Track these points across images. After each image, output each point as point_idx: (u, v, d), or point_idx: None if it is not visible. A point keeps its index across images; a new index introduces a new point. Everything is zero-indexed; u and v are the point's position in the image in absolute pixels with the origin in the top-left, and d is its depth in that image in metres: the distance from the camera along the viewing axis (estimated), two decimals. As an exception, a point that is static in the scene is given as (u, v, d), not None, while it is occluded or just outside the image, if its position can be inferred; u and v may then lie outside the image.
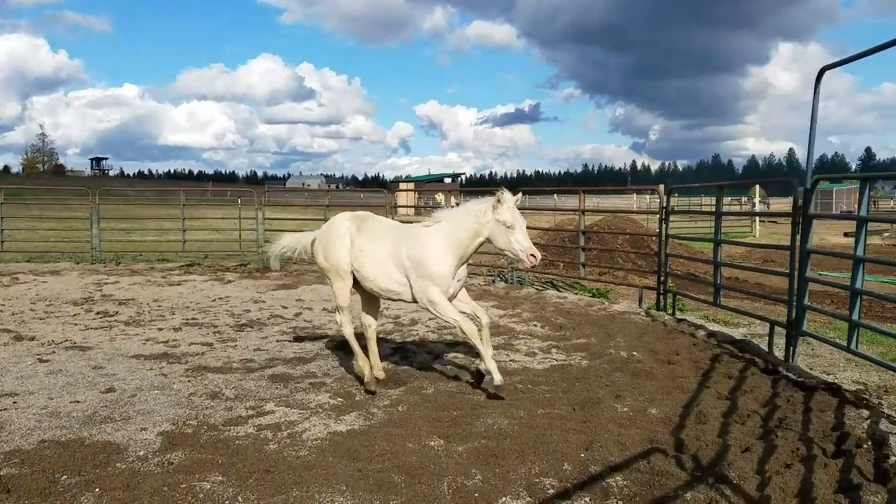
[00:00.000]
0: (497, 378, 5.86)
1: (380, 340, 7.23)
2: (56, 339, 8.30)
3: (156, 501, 3.96)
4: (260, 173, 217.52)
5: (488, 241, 5.99)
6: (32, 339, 8.27)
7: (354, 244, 6.31)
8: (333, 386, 6.47)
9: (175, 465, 4.51)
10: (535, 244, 5.94)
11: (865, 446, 4.58)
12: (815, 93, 6.90)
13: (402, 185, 67.08)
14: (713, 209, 9.94)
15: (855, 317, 6.35)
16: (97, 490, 4.10)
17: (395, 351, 7.87)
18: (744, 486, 4.05)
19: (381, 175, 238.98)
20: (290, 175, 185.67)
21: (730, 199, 49.50)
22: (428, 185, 68.21)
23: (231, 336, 8.67)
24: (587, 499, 4.05)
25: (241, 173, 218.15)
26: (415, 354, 7.73)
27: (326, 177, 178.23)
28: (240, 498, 4.04)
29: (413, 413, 5.66)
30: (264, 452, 4.73)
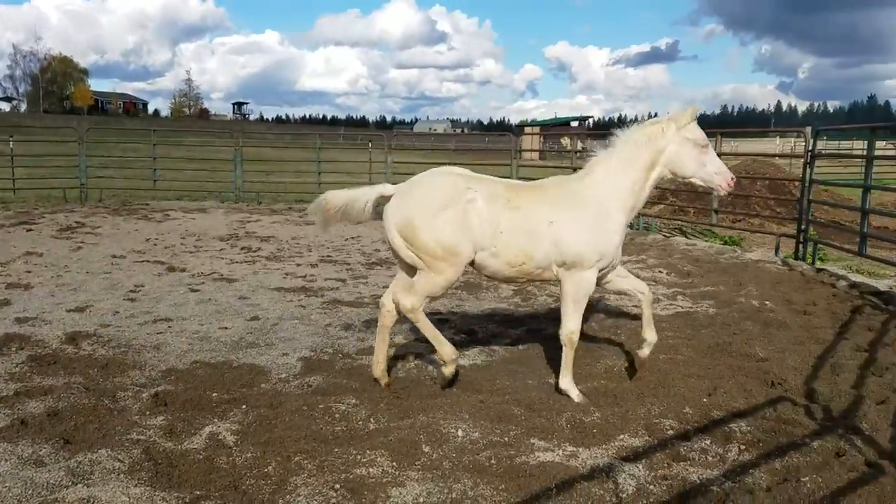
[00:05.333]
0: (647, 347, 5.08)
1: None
2: (205, 270, 9.05)
3: (296, 418, 4.33)
4: (389, 118, 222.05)
5: (667, 174, 4.75)
6: (183, 270, 9.05)
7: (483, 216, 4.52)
8: (457, 322, 6.70)
9: (313, 387, 4.89)
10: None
11: None
12: None
13: (528, 130, 66.19)
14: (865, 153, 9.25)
15: None
16: (244, 407, 4.53)
17: (515, 294, 8.01)
18: (876, 438, 3.91)
19: (506, 119, 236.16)
20: (417, 120, 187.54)
21: (885, 143, 45.28)
22: (554, 129, 66.80)
23: (362, 273, 9.11)
24: (707, 441, 4.05)
25: (371, 118, 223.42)
26: (535, 297, 7.85)
27: (452, 121, 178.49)
28: (372, 420, 4.35)
29: (532, 352, 5.80)
30: (394, 380, 5.02)
